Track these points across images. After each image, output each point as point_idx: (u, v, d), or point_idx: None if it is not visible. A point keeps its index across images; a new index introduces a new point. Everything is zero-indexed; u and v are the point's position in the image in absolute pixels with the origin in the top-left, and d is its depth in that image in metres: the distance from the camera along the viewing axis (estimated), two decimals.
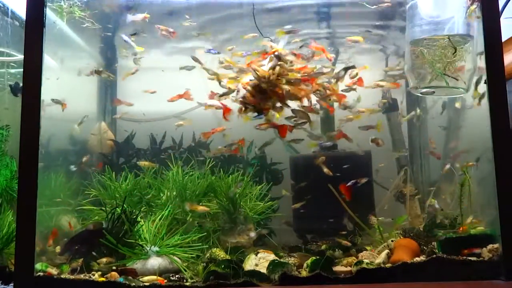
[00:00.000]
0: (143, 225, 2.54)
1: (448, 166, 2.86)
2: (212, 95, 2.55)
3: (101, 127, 3.39)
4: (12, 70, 3.09)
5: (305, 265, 2.27)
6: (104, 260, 2.34)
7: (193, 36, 3.00)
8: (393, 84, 2.79)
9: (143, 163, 3.03)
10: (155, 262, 2.36)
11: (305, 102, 2.46)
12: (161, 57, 3.38)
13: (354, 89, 2.70)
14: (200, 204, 2.83)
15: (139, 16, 2.65)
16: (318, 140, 2.85)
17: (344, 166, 2.88)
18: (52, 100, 2.63)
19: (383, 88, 3.14)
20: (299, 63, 2.42)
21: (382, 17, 3.03)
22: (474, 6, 2.45)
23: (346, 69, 2.58)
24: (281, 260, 2.36)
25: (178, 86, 2.86)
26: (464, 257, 2.22)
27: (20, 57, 2.91)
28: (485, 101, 2.25)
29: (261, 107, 2.37)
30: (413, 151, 3.34)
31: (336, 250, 2.50)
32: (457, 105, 3.04)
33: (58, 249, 2.56)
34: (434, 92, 2.73)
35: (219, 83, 2.53)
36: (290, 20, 2.95)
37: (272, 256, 2.37)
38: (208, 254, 2.46)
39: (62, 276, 2.21)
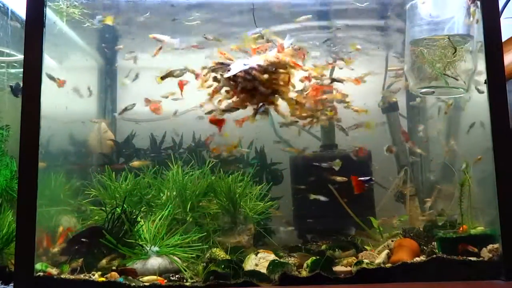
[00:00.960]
0: (143, 225, 2.54)
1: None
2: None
3: (101, 127, 3.39)
4: (12, 70, 3.09)
5: (305, 265, 2.27)
6: (104, 261, 2.33)
7: (193, 36, 3.00)
8: (354, 81, 2.76)
9: (134, 163, 3.03)
10: (155, 262, 2.36)
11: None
12: (161, 57, 3.39)
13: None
14: (200, 203, 2.84)
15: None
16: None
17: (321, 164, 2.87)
18: (48, 75, 2.59)
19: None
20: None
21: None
22: (473, 9, 2.45)
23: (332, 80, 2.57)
24: (281, 260, 2.36)
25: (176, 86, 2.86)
26: (464, 257, 2.22)
27: (20, 57, 2.91)
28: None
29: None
30: (413, 151, 3.33)
31: (336, 250, 2.50)
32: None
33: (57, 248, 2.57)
34: (434, 92, 2.73)
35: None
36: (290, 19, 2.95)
37: (272, 256, 2.37)
38: (208, 254, 2.46)
39: (62, 276, 2.21)
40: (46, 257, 2.44)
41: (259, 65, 2.26)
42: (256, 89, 2.27)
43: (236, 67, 2.26)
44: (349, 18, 3.09)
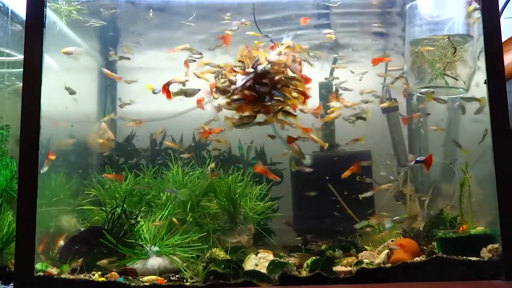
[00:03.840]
0: (143, 225, 2.54)
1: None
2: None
3: (101, 127, 3.38)
4: (13, 70, 3.09)
5: (305, 265, 2.27)
6: (105, 261, 2.33)
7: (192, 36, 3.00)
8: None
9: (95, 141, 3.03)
10: (155, 262, 2.36)
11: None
12: (160, 57, 3.39)
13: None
14: (200, 204, 2.84)
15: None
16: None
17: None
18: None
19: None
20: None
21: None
22: (472, 6, 2.45)
23: None
24: (281, 260, 2.36)
25: (177, 86, 2.86)
26: (464, 257, 2.22)
27: (20, 57, 2.91)
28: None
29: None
30: (413, 151, 3.33)
31: (336, 250, 2.49)
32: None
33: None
34: (433, 92, 2.73)
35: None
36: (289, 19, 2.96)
37: (272, 256, 2.37)
38: (208, 254, 2.46)
39: (62, 276, 2.21)
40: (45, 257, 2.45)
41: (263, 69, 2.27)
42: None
43: (242, 78, 2.27)
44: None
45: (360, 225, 2.58)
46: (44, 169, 2.29)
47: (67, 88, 2.76)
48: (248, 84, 2.26)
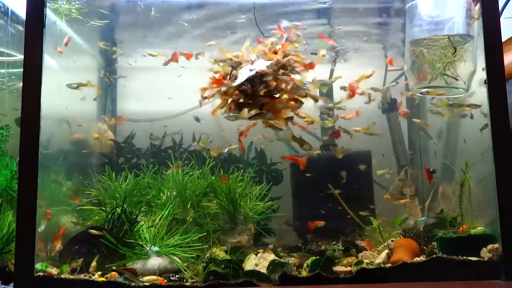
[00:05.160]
0: (143, 225, 2.54)
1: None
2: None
3: (101, 127, 3.39)
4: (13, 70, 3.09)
5: (305, 265, 2.27)
6: (94, 264, 2.33)
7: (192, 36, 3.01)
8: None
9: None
10: (155, 262, 2.36)
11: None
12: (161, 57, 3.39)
13: None
14: (200, 204, 2.84)
15: None
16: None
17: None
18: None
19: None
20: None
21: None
22: (477, 5, 2.44)
23: None
24: (281, 260, 2.36)
25: (178, 86, 2.86)
26: (464, 257, 2.22)
27: (20, 57, 2.91)
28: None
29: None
30: (413, 151, 3.33)
31: (336, 250, 2.49)
32: None
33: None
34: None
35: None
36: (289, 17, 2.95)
37: (272, 256, 2.37)
38: (208, 254, 2.46)
39: (62, 276, 2.21)
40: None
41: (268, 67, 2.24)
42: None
43: (244, 74, 2.24)
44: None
45: (333, 248, 2.61)
46: (42, 227, 2.35)
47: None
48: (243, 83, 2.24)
